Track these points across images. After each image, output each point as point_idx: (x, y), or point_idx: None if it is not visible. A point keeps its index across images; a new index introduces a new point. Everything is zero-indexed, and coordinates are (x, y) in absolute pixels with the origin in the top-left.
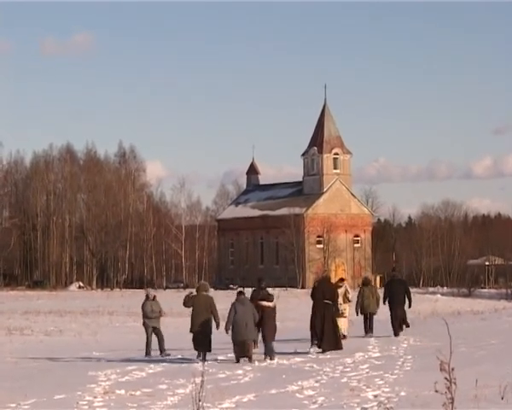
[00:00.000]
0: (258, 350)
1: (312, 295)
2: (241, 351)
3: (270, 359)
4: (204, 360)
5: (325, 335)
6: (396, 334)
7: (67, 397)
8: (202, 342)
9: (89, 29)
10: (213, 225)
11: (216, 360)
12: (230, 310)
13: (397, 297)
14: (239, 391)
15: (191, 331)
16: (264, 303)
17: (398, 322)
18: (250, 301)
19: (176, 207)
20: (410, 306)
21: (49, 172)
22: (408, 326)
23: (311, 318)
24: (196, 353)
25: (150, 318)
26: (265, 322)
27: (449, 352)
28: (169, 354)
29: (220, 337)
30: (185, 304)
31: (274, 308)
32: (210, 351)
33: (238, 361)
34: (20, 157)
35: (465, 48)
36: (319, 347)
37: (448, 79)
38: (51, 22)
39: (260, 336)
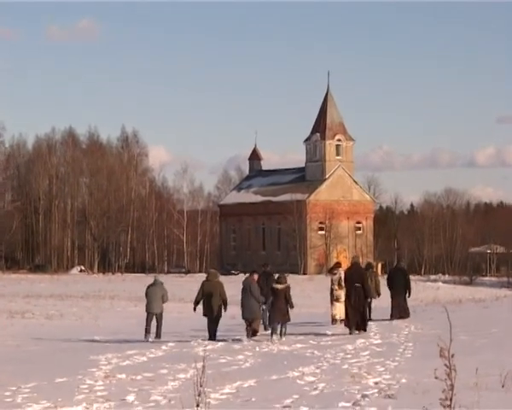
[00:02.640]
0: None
1: (345, 281)
2: (247, 326)
3: (280, 337)
4: (211, 339)
5: (358, 316)
6: (391, 318)
7: (68, 381)
8: (214, 321)
9: (93, 15)
10: (215, 211)
11: (235, 339)
12: None
13: (397, 286)
14: (240, 377)
15: (204, 315)
16: (274, 285)
17: (397, 310)
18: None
19: (178, 192)
20: (409, 295)
21: (51, 156)
22: (408, 317)
23: (346, 302)
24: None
25: (148, 302)
26: (274, 303)
27: (449, 339)
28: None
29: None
30: (197, 299)
31: (284, 291)
32: (220, 316)
33: (247, 334)
34: (23, 141)
35: (468, 35)
36: (354, 327)
37: (452, 66)
38: (56, 8)
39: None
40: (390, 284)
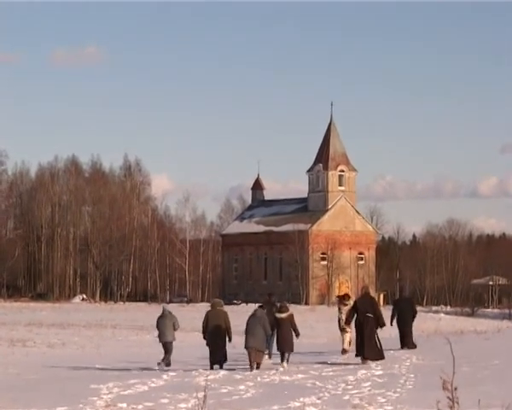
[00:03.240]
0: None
1: (354, 310)
2: (250, 357)
3: (282, 365)
4: (221, 368)
5: (368, 345)
6: (402, 347)
7: (69, 409)
8: (218, 353)
9: (98, 42)
10: (218, 240)
11: (234, 369)
12: (246, 322)
13: (404, 315)
14: (241, 407)
15: (207, 345)
16: (277, 315)
17: (405, 339)
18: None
19: (180, 221)
20: (413, 318)
21: (54, 184)
22: (415, 347)
23: (356, 331)
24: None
25: (160, 332)
26: (279, 333)
27: (451, 371)
28: (166, 365)
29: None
30: (203, 329)
31: (289, 319)
32: (226, 360)
33: (251, 367)
34: (26, 168)
35: (473, 65)
36: (363, 357)
37: (455, 96)
38: (60, 35)
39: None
40: (398, 314)
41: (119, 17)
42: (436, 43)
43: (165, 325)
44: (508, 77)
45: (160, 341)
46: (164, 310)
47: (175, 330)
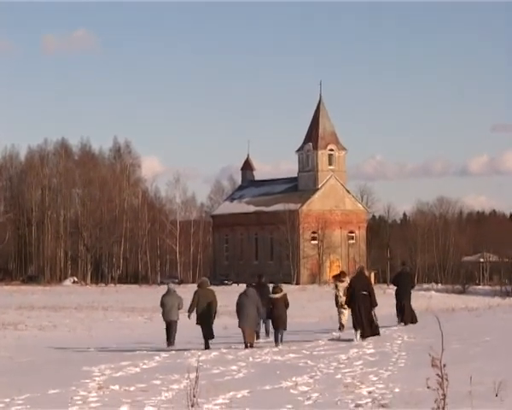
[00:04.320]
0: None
1: (350, 288)
2: (246, 337)
3: (276, 345)
4: (207, 346)
5: (366, 324)
6: (399, 322)
7: (61, 392)
8: (208, 329)
9: (87, 26)
10: (208, 221)
11: (230, 347)
12: (237, 301)
13: (404, 290)
14: (233, 387)
15: (198, 323)
16: (272, 295)
17: (403, 313)
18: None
19: (171, 202)
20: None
21: (43, 167)
22: (416, 322)
23: (353, 309)
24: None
25: (165, 311)
26: (274, 312)
27: (441, 348)
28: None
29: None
30: (191, 308)
31: (283, 299)
32: (213, 338)
33: (246, 346)
34: (15, 152)
35: (463, 44)
36: (361, 335)
37: (446, 75)
38: (50, 19)
39: (271, 325)
40: (398, 288)
41: (109, 1)
42: (425, 24)
43: (172, 304)
44: (498, 56)
45: (165, 319)
46: (169, 289)
47: (179, 309)
